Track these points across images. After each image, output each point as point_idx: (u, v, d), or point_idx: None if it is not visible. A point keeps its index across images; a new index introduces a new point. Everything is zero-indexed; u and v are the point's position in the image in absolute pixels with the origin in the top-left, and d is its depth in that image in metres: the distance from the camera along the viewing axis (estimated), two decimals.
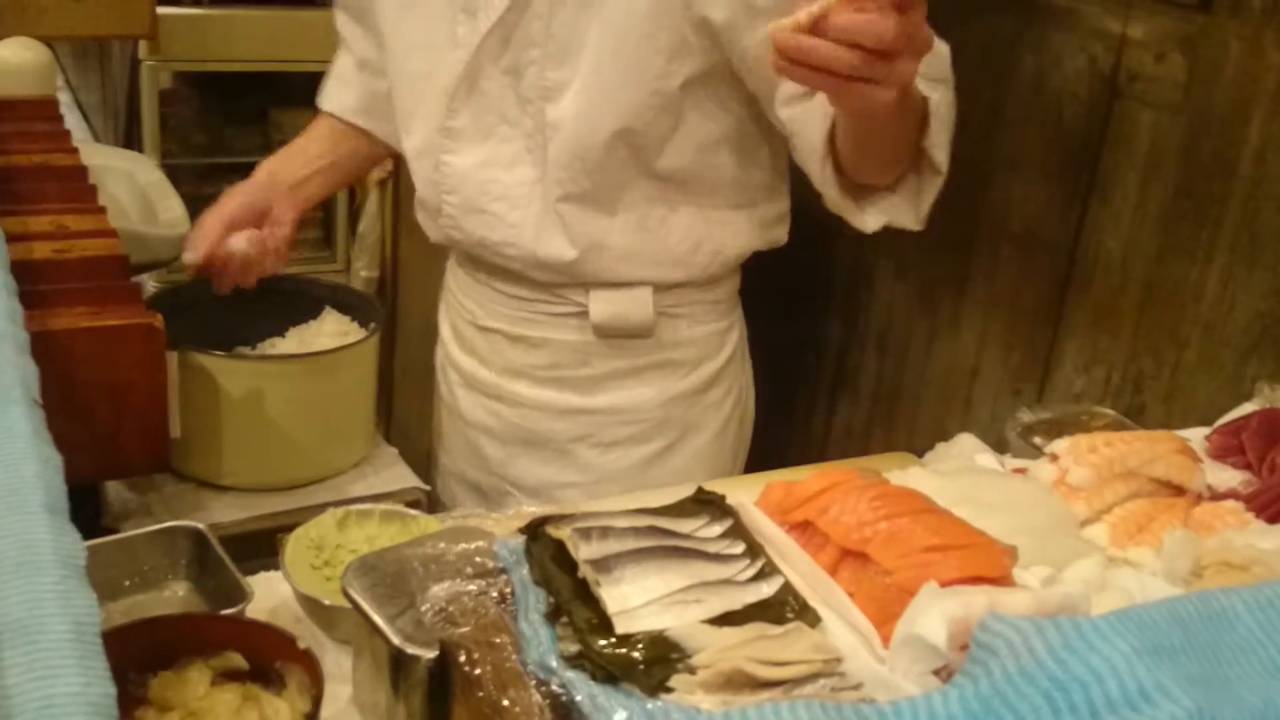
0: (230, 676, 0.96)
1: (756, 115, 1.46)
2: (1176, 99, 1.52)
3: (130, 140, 2.86)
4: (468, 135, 1.47)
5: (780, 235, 1.61)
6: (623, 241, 1.47)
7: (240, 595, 1.06)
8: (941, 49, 1.32)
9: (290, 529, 1.17)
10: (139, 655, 0.94)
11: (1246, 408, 1.29)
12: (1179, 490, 1.09)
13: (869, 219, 1.40)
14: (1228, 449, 1.21)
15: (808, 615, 0.86)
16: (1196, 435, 1.24)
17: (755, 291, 1.71)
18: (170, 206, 2.00)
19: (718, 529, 0.95)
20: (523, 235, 1.47)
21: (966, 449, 1.31)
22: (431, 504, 1.72)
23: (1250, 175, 1.45)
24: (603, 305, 1.51)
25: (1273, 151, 1.43)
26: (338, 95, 1.71)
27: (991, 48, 1.77)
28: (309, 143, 1.71)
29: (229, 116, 3.05)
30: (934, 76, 1.29)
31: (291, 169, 1.68)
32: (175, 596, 1.14)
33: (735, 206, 1.53)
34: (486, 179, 1.47)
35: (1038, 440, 1.30)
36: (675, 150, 1.44)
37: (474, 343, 1.63)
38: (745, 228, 1.55)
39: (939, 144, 1.33)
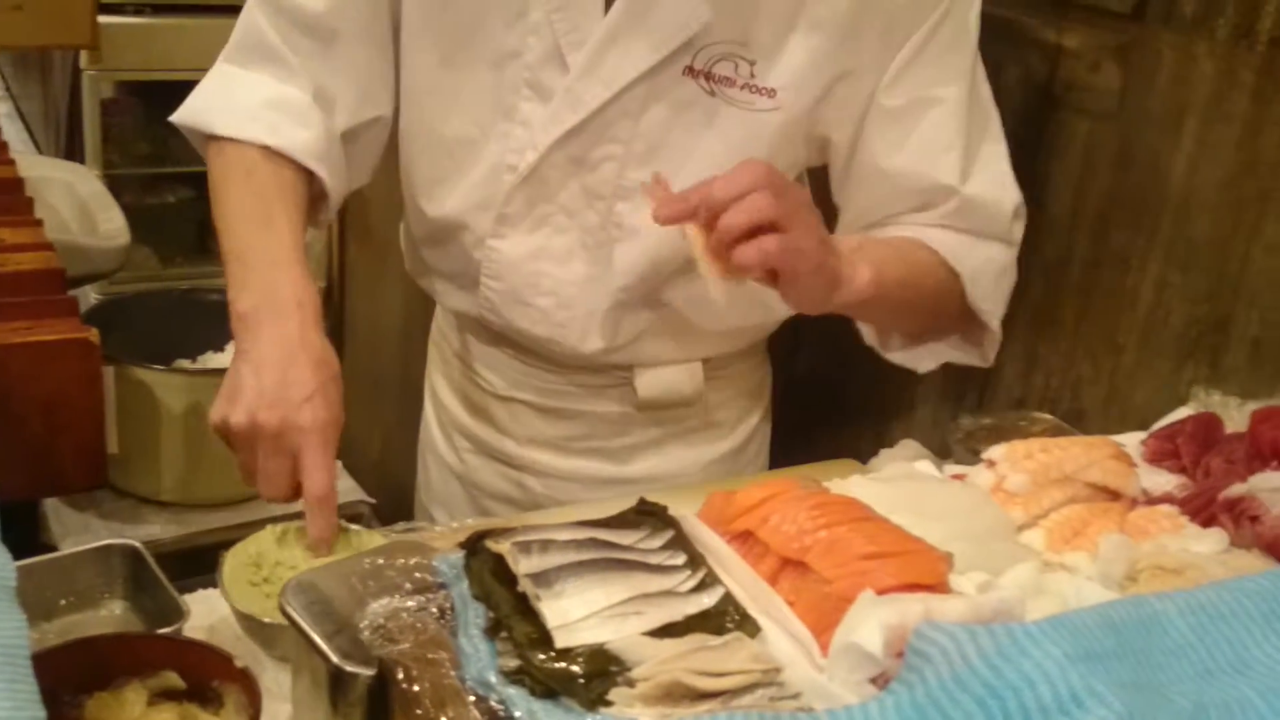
0: (167, 696, 0.95)
1: None
2: (1111, 108, 1.54)
3: (72, 150, 2.83)
4: (520, 222, 1.34)
5: None
6: (674, 328, 1.40)
7: (177, 614, 1.05)
8: (999, 205, 1.34)
9: (232, 544, 1.16)
10: (73, 676, 0.93)
11: (1182, 412, 1.31)
12: (1115, 495, 1.11)
13: (923, 363, 1.43)
14: (1163, 453, 1.23)
15: (748, 625, 0.86)
16: (1133, 440, 1.25)
17: None
18: (111, 218, 1.99)
19: (659, 540, 0.95)
20: (569, 334, 1.38)
21: (909, 455, 1.32)
22: (378, 516, 1.71)
23: (1183, 182, 1.47)
24: (651, 382, 1.43)
25: (1205, 159, 1.45)
26: (290, 131, 1.28)
27: None
28: (277, 216, 1.25)
29: (172, 126, 3.01)
30: (982, 232, 1.33)
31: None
32: (111, 615, 1.13)
33: None
34: (536, 271, 1.36)
35: (978, 446, 1.31)
36: None
37: (491, 412, 1.51)
38: None
39: (983, 305, 1.34)
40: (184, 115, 1.35)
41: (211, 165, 1.32)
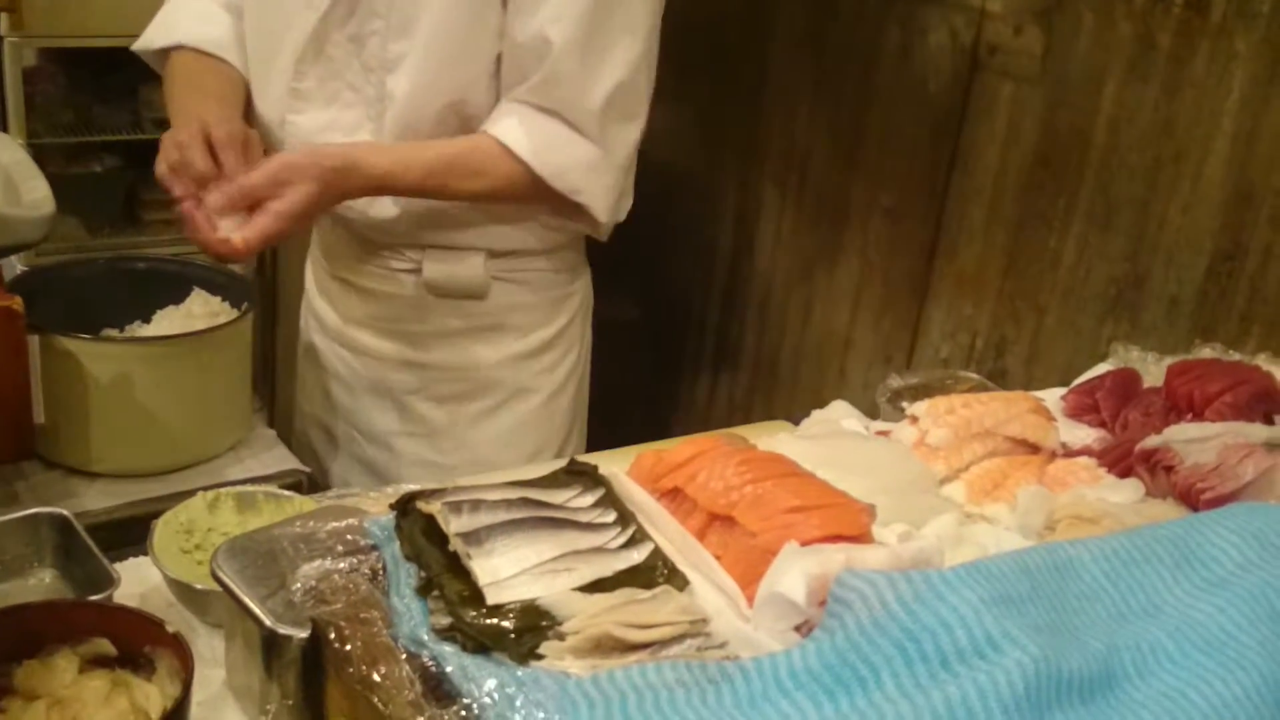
0: (99, 663, 0.94)
1: None
2: (1034, 71, 1.57)
3: None
4: (314, 98, 1.49)
5: (620, 206, 1.60)
6: (452, 210, 1.50)
7: (107, 581, 1.04)
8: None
9: (162, 515, 1.16)
10: (3, 645, 0.92)
11: (1102, 368, 1.34)
12: (1034, 449, 1.14)
13: None
14: (1083, 408, 1.26)
15: (676, 579, 0.87)
16: (1053, 395, 1.28)
17: (636, 267, 1.73)
18: (35, 187, 1.94)
19: (590, 499, 0.96)
20: (359, 201, 1.49)
21: (838, 415, 1.34)
22: (313, 486, 1.71)
23: (1104, 144, 1.50)
24: (436, 266, 1.55)
25: (1125, 120, 1.48)
26: (200, 28, 1.57)
27: (860, 21, 1.81)
28: (203, 83, 1.55)
29: (98, 94, 2.95)
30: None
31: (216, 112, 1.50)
32: (41, 584, 1.12)
33: None
34: (326, 142, 1.48)
35: (905, 405, 1.33)
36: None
37: (328, 289, 1.68)
38: None
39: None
40: (138, 44, 1.63)
41: (165, 76, 1.60)
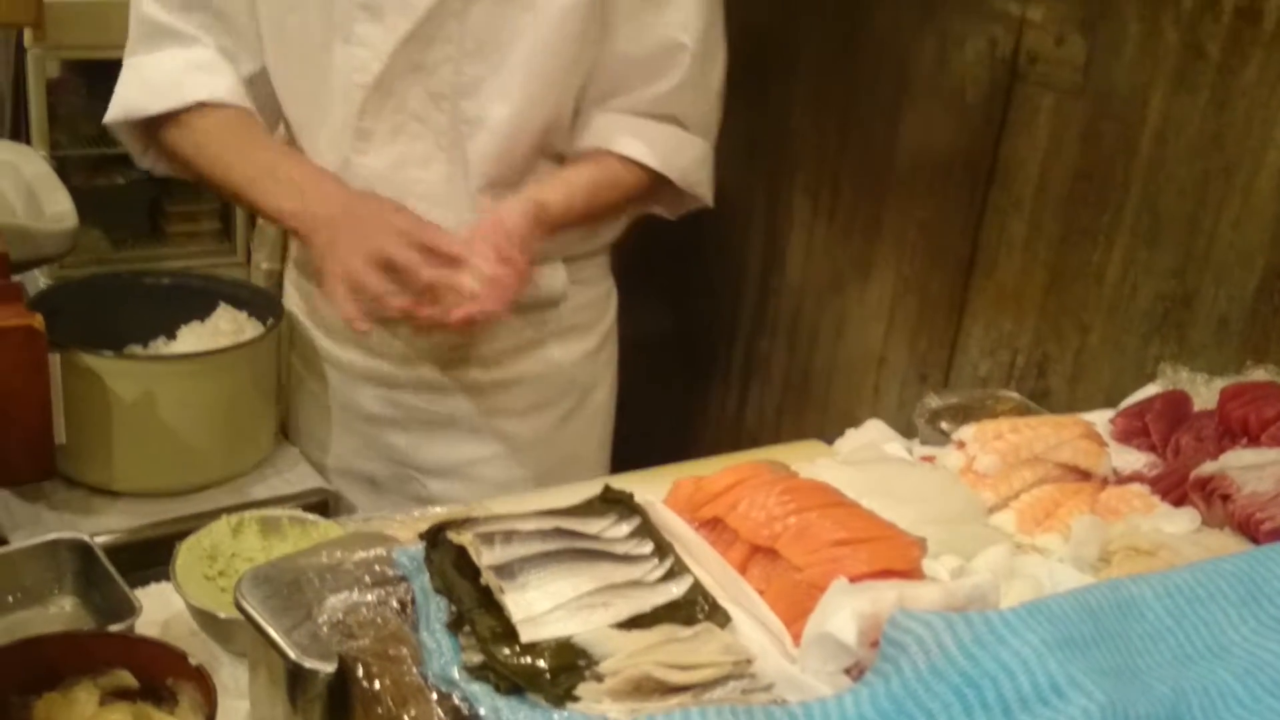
0: (120, 695, 0.91)
1: None
2: (1076, 81, 1.53)
3: (17, 131, 2.76)
4: (377, 135, 1.42)
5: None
6: None
7: (129, 610, 1.01)
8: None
9: (188, 535, 1.13)
10: (22, 676, 0.89)
11: (1150, 389, 1.30)
12: (1085, 475, 1.10)
13: None
14: (1132, 431, 1.22)
15: (718, 615, 0.84)
16: (1101, 418, 1.24)
17: (665, 281, 1.70)
18: (58, 200, 1.93)
19: (626, 528, 0.93)
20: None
21: (875, 436, 1.31)
22: (335, 505, 1.68)
23: (1150, 156, 1.46)
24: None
25: (1172, 132, 1.44)
26: (214, 81, 1.44)
27: (895, 31, 1.77)
28: (260, 137, 1.47)
29: None
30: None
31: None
32: (61, 612, 1.09)
33: None
34: (406, 179, 1.43)
35: (944, 425, 1.30)
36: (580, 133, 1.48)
37: (361, 338, 1.55)
38: None
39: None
40: (114, 114, 1.48)
41: (170, 143, 1.47)
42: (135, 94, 1.45)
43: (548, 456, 1.62)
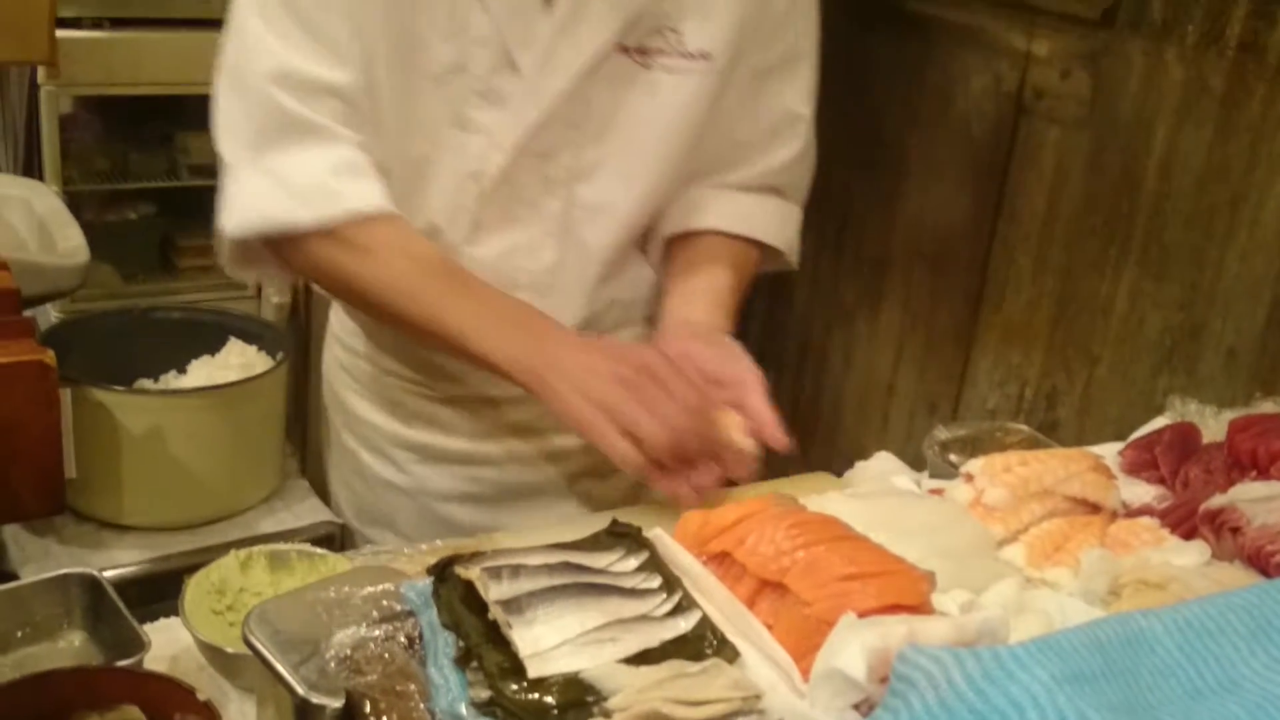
0: None
1: None
2: (1081, 115, 1.54)
3: (30, 166, 2.78)
4: (492, 225, 1.35)
5: None
6: (626, 296, 1.45)
7: (137, 645, 1.01)
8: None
9: (197, 569, 1.13)
10: (29, 712, 0.89)
11: (1158, 422, 1.29)
12: (1094, 508, 1.09)
13: None
14: (1141, 464, 1.22)
15: (726, 650, 0.84)
16: (1110, 450, 1.24)
17: None
18: (69, 235, 1.95)
19: (633, 562, 0.93)
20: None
21: (884, 468, 1.30)
22: (345, 538, 1.68)
23: (1155, 189, 1.46)
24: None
25: (1177, 165, 1.45)
26: (370, 189, 1.27)
27: (900, 66, 1.78)
28: (460, 271, 1.31)
29: (133, 141, 2.97)
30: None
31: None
32: (70, 647, 1.09)
33: None
34: (513, 269, 1.36)
35: (953, 458, 1.29)
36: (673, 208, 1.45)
37: (434, 415, 1.48)
38: None
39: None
40: (249, 223, 1.27)
41: (316, 256, 1.28)
42: (276, 203, 1.25)
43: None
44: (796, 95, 1.40)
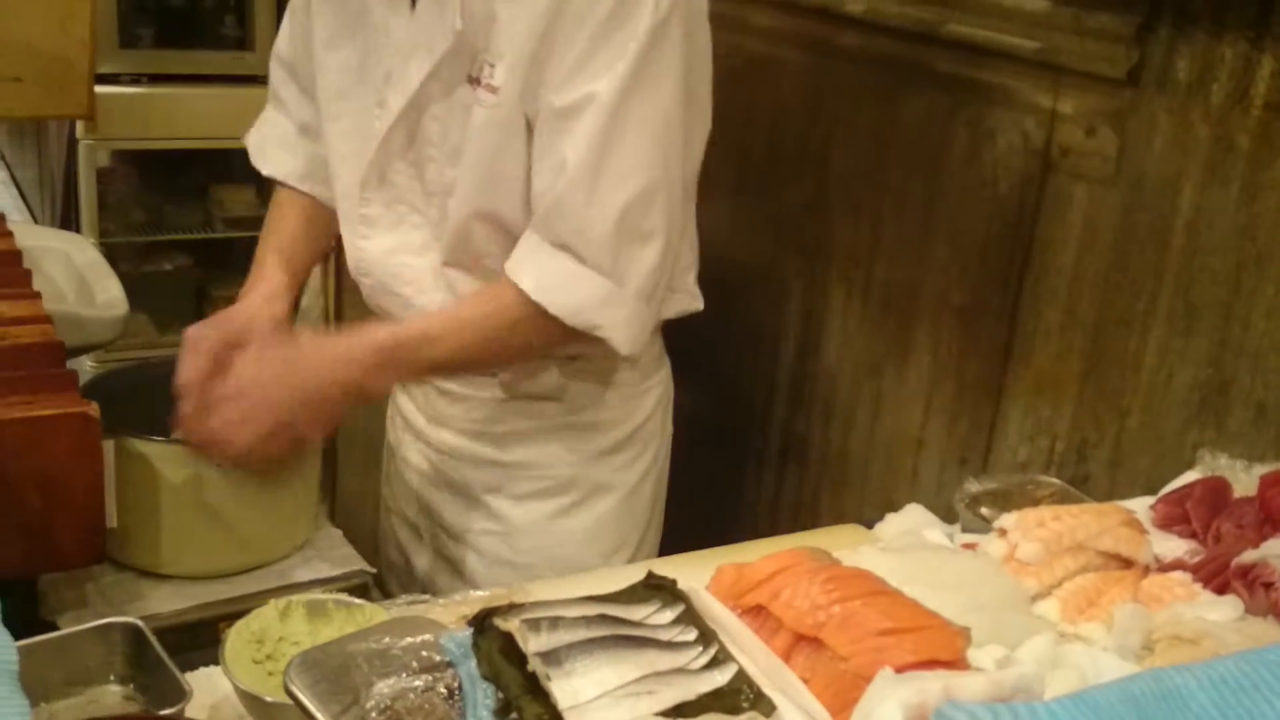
0: None
1: None
2: (1108, 172, 1.55)
3: (68, 219, 2.83)
4: (381, 222, 1.53)
5: (686, 302, 1.59)
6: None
7: (179, 694, 1.03)
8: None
9: (233, 617, 1.14)
10: None
11: (1189, 476, 1.30)
12: (1127, 563, 1.10)
13: None
14: (1172, 518, 1.22)
15: (762, 704, 0.85)
16: (1141, 504, 1.25)
17: (701, 363, 1.71)
18: (107, 288, 1.98)
19: (669, 615, 0.94)
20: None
21: (916, 521, 1.31)
22: (379, 585, 1.69)
23: (1183, 246, 1.47)
24: (507, 372, 1.56)
25: (1204, 222, 1.46)
26: (283, 159, 1.67)
27: (927, 124, 1.80)
28: (278, 228, 1.66)
29: (168, 193, 3.03)
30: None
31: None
32: (113, 696, 1.10)
33: None
34: (397, 264, 1.53)
35: (985, 511, 1.30)
36: None
37: (413, 390, 1.70)
38: None
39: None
40: (251, 153, 1.71)
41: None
42: (253, 142, 1.69)
43: (543, 549, 1.62)
44: (571, 140, 1.34)
